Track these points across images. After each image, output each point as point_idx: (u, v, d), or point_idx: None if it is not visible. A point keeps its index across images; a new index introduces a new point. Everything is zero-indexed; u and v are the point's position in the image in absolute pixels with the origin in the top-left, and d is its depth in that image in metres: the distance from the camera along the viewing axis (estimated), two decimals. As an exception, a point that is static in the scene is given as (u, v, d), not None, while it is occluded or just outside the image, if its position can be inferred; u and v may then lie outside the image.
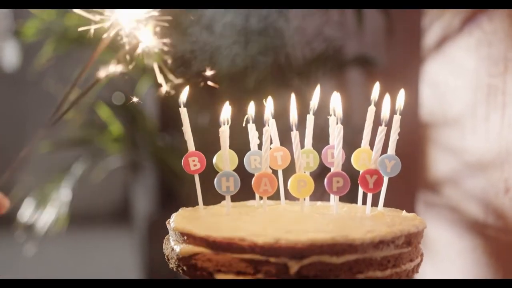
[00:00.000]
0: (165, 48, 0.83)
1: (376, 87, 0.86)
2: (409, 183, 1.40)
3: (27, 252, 1.79)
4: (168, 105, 1.87)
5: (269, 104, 0.86)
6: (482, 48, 1.18)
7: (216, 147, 0.86)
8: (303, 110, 0.86)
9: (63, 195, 1.72)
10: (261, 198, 0.87)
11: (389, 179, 0.85)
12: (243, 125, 0.87)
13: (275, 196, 0.88)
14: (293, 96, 0.85)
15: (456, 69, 1.25)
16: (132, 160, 2.26)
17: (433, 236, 1.30)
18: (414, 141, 1.38)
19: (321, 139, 0.96)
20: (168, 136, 1.92)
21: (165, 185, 2.41)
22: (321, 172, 0.91)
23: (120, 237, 3.15)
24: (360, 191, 0.87)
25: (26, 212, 1.72)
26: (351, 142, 0.94)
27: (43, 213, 1.70)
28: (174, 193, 1.83)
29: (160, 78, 0.83)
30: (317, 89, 0.88)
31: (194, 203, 0.90)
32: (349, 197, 0.88)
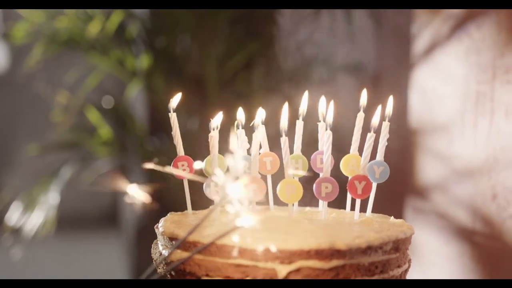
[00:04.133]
0: None
1: (364, 94, 0.86)
2: (397, 189, 1.40)
3: (14, 255, 1.77)
4: (158, 109, 1.87)
5: (260, 111, 0.86)
6: (471, 55, 1.19)
7: (205, 152, 0.86)
8: (292, 116, 0.86)
9: (51, 198, 1.71)
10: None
11: (377, 185, 0.85)
12: (234, 130, 0.87)
13: (264, 201, 0.88)
14: (286, 104, 0.85)
15: (445, 76, 1.26)
16: (121, 164, 2.25)
17: (421, 242, 1.30)
18: (402, 147, 1.39)
19: (309, 144, 0.96)
20: (157, 140, 1.92)
21: (154, 190, 2.41)
22: (309, 178, 0.91)
23: (108, 241, 3.13)
24: (349, 197, 0.87)
25: (14, 215, 1.71)
26: (339, 148, 0.94)
27: (31, 216, 1.69)
28: (162, 197, 1.82)
29: None
30: (305, 95, 0.88)
31: (183, 208, 0.90)
32: (338, 203, 0.88)
